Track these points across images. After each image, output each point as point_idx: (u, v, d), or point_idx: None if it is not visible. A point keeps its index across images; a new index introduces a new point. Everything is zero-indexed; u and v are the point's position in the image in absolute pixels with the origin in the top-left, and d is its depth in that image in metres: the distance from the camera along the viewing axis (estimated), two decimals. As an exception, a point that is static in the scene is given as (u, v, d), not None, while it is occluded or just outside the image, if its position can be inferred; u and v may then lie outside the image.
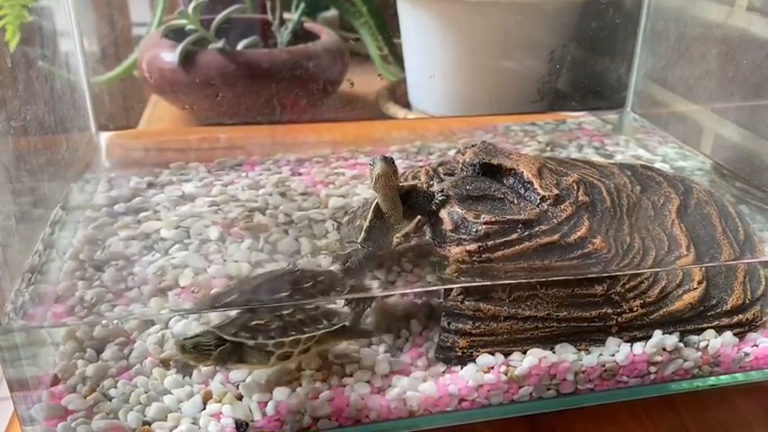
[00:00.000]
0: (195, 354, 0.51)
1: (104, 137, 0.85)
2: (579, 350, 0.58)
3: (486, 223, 0.56)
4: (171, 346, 0.56)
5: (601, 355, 0.58)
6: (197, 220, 0.67)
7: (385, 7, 0.96)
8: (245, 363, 0.52)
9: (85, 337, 0.57)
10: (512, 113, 0.98)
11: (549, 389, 0.58)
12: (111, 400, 0.54)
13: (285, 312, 0.54)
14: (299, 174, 0.80)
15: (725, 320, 0.60)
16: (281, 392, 0.53)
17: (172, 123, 0.95)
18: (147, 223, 0.67)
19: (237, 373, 0.55)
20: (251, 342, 0.51)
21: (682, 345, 0.59)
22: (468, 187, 0.61)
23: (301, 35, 0.94)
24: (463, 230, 0.57)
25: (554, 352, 0.57)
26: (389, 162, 0.55)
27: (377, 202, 0.57)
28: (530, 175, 0.61)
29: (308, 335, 0.53)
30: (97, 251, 0.62)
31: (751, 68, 0.76)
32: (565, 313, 0.57)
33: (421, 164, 0.76)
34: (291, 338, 0.53)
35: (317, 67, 0.91)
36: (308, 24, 0.96)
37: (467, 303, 0.56)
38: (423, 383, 0.55)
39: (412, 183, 0.58)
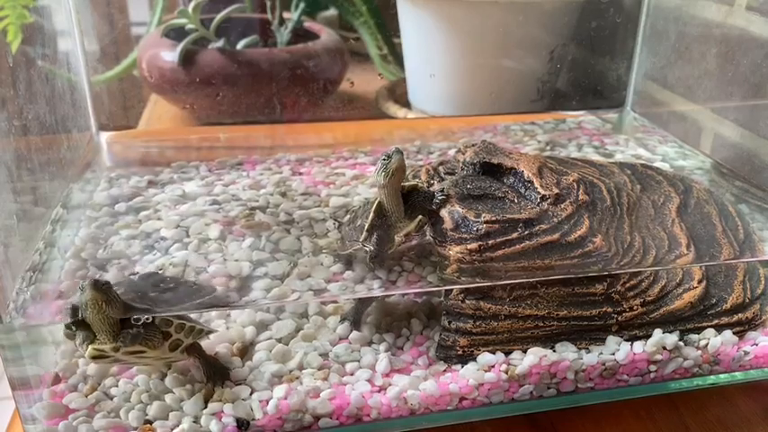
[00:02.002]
0: (107, 296, 0.48)
1: (105, 136, 0.85)
2: (579, 349, 0.58)
3: (486, 222, 0.56)
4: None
5: (601, 353, 0.58)
6: (197, 219, 0.67)
7: (385, 7, 0.97)
8: (141, 344, 0.50)
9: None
10: (511, 113, 0.98)
11: (549, 387, 0.58)
12: (112, 399, 0.54)
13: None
14: (300, 173, 0.80)
15: (725, 319, 0.60)
16: (282, 390, 0.54)
17: (172, 123, 0.95)
18: (148, 222, 0.67)
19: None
20: (160, 313, 0.50)
21: (682, 343, 0.59)
22: (468, 186, 0.61)
23: (301, 34, 0.94)
24: (464, 229, 0.57)
25: (554, 350, 0.58)
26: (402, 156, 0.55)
27: (378, 202, 0.57)
28: (530, 175, 0.61)
29: (200, 327, 0.54)
30: (99, 250, 0.62)
31: (750, 68, 0.76)
32: (565, 312, 0.57)
33: (421, 163, 0.76)
34: (190, 324, 0.53)
35: (316, 66, 0.91)
36: (308, 24, 0.96)
37: (467, 302, 0.57)
38: (423, 382, 0.55)
39: (413, 182, 0.58)
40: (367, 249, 0.57)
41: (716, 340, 0.59)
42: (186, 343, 0.53)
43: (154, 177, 0.77)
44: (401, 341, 0.59)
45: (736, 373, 0.62)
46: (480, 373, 0.56)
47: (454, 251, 0.56)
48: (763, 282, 0.63)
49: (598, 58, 0.97)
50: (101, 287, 0.48)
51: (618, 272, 0.58)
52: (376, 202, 0.57)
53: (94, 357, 0.51)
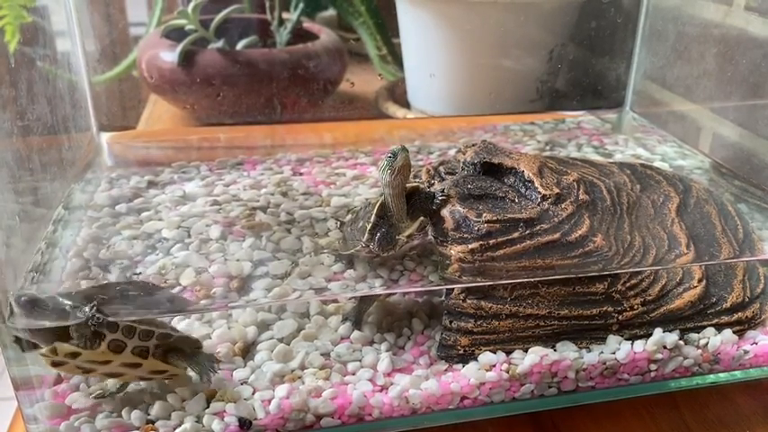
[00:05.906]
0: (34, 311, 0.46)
1: (105, 136, 0.85)
2: (580, 348, 0.58)
3: (487, 222, 0.56)
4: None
5: (602, 352, 0.58)
6: (198, 220, 0.67)
7: (384, 7, 0.97)
8: (70, 340, 0.48)
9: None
10: (511, 113, 0.98)
11: (550, 386, 0.58)
12: (114, 399, 0.54)
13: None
14: (300, 173, 0.80)
15: (724, 318, 0.60)
16: (283, 390, 0.54)
17: (172, 123, 0.95)
18: (149, 223, 0.67)
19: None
20: (88, 309, 0.47)
21: (682, 342, 0.59)
22: (469, 186, 0.61)
23: (300, 35, 0.94)
24: (465, 229, 0.57)
25: (555, 350, 0.58)
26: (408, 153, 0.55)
27: (380, 203, 0.57)
28: (530, 174, 0.61)
29: (144, 328, 0.50)
30: (101, 250, 0.62)
31: (749, 68, 0.76)
32: (566, 311, 0.58)
33: (421, 163, 0.76)
34: (127, 324, 0.49)
35: (316, 66, 0.91)
36: (307, 24, 0.97)
37: (468, 302, 0.57)
38: (425, 381, 0.55)
39: (414, 183, 0.59)
40: (372, 249, 0.57)
41: (716, 339, 0.60)
42: (135, 345, 0.50)
43: (154, 177, 0.77)
44: (402, 340, 0.60)
45: (736, 372, 0.62)
46: (481, 373, 0.56)
47: (455, 251, 0.56)
48: (762, 281, 0.64)
49: (597, 58, 0.97)
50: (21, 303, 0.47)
51: (618, 271, 0.58)
52: (378, 202, 0.57)
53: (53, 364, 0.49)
